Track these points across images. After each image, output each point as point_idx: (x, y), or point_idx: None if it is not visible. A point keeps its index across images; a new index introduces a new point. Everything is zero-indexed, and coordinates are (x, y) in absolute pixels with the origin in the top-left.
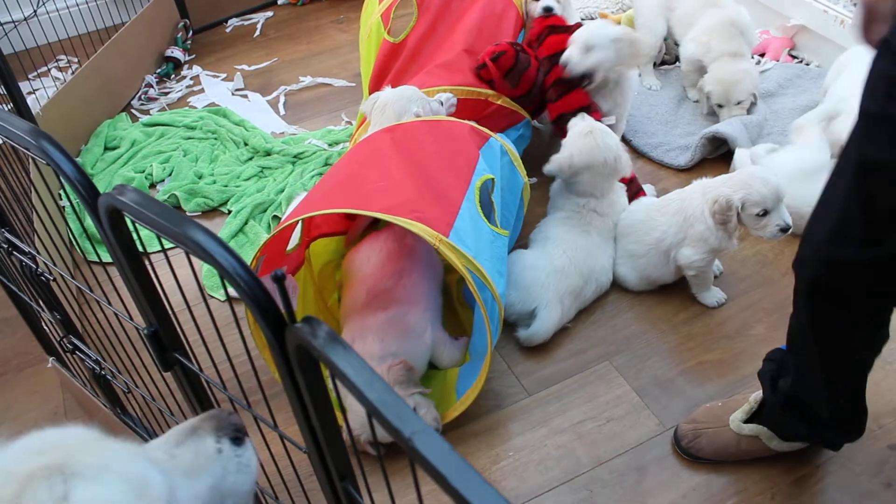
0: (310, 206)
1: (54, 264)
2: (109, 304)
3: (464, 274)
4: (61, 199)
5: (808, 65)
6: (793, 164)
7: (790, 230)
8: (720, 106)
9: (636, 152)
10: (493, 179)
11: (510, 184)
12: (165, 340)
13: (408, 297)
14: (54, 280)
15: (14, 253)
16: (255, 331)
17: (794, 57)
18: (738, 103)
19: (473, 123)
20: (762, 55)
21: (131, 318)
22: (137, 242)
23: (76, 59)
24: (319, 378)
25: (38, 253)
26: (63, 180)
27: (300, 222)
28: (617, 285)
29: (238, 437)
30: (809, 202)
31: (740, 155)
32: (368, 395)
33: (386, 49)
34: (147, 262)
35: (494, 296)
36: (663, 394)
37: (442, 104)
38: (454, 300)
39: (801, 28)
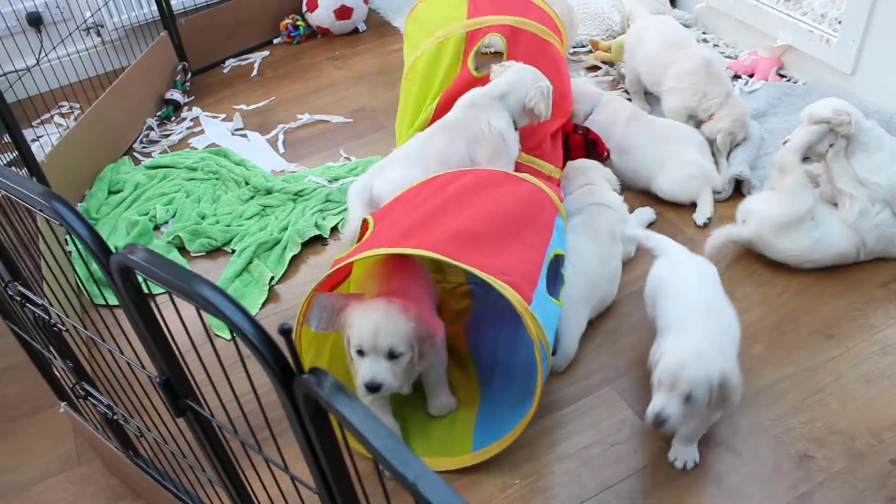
0: (391, 241)
1: (66, 315)
2: (122, 353)
3: (536, 345)
4: (67, 245)
5: (795, 83)
6: (776, 218)
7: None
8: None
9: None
10: (563, 256)
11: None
12: (177, 388)
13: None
14: (67, 330)
15: (27, 305)
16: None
17: (782, 76)
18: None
19: (551, 193)
20: (751, 75)
21: (143, 367)
22: (143, 284)
23: (78, 105)
24: (328, 424)
25: (49, 302)
26: (76, 241)
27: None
28: (617, 311)
29: None
30: (794, 253)
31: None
32: (374, 442)
33: (466, 80)
34: (153, 305)
35: (538, 367)
36: None
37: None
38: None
39: (788, 48)
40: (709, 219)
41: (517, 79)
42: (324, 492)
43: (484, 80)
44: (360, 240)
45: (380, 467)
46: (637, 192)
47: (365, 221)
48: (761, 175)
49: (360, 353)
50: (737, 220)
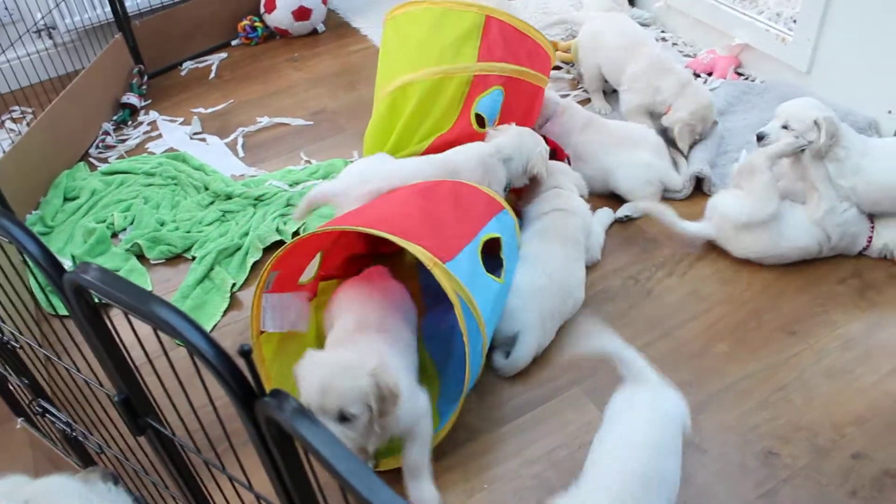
0: (327, 224)
1: (19, 329)
2: (79, 371)
3: (452, 298)
4: (22, 255)
5: (753, 81)
6: (739, 215)
7: None
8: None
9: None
10: (499, 238)
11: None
12: (137, 406)
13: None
14: (21, 347)
15: None
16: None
17: (740, 74)
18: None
19: (493, 194)
20: (710, 73)
21: (101, 385)
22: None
23: (30, 110)
24: (291, 445)
25: (0, 317)
26: (27, 259)
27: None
28: (581, 312)
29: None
30: (757, 249)
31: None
32: (339, 467)
33: (466, 130)
34: (107, 320)
35: (480, 327)
36: None
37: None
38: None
39: (746, 46)
40: (626, 216)
41: (519, 143)
42: None
43: (481, 136)
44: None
45: (345, 493)
46: (600, 196)
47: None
48: (721, 173)
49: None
50: (706, 217)
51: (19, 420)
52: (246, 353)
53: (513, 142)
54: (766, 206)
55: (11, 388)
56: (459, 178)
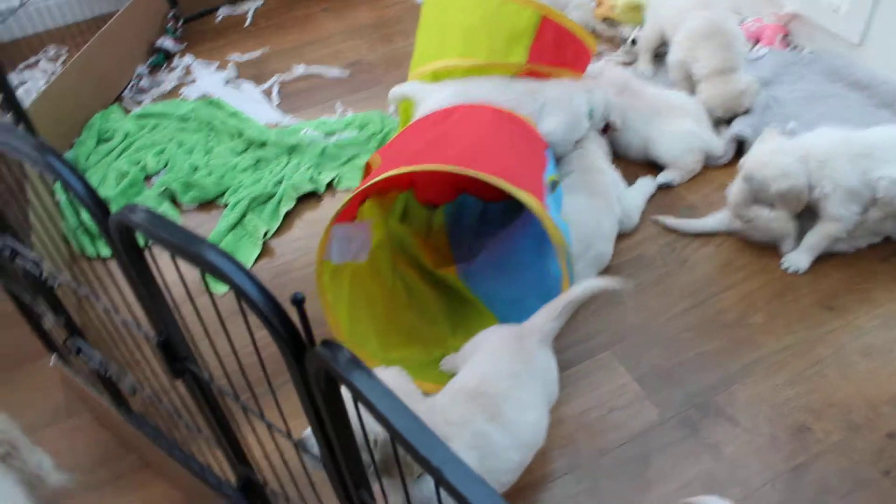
0: (405, 161)
1: (56, 268)
2: (117, 312)
3: (561, 253)
4: (56, 195)
5: (801, 51)
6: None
7: None
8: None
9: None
10: (557, 181)
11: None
12: (176, 349)
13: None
14: (59, 286)
15: (17, 259)
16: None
17: (787, 44)
18: (745, 112)
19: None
20: (756, 41)
21: (140, 327)
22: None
23: (66, 50)
24: (338, 398)
25: (40, 255)
26: (73, 198)
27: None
28: (616, 275)
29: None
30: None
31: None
32: (394, 422)
33: None
34: (151, 261)
35: (564, 276)
36: (664, 384)
37: None
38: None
39: (795, 15)
40: (665, 183)
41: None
42: (329, 462)
43: None
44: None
45: (395, 444)
46: (637, 163)
47: (368, 164)
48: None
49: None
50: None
51: (52, 357)
52: (298, 303)
53: (593, 82)
54: (780, 232)
55: (46, 325)
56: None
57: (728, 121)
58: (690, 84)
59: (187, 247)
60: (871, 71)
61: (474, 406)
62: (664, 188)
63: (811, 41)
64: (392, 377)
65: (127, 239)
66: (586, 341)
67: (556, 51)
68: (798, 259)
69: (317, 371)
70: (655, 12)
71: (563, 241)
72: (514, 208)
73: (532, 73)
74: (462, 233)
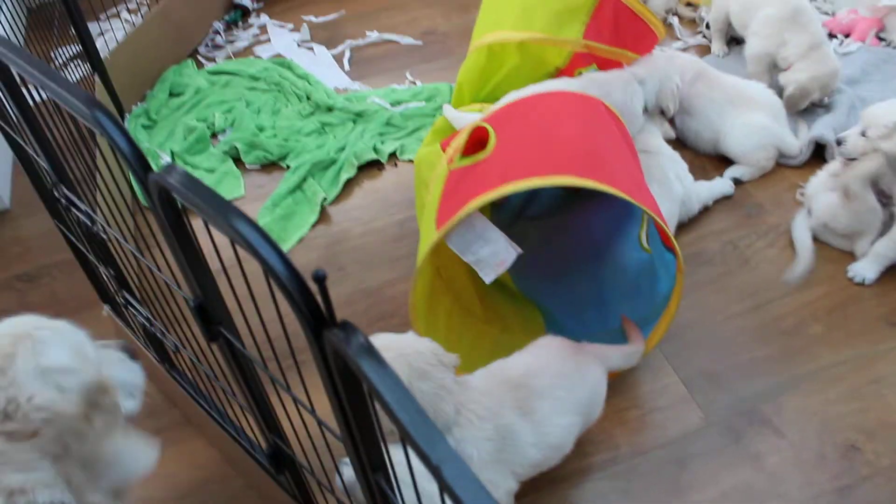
0: (525, 169)
1: (115, 219)
2: (160, 270)
3: (679, 258)
4: None
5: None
6: (838, 229)
7: None
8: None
9: None
10: None
11: None
12: (211, 313)
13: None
14: (110, 240)
15: (72, 209)
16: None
17: (881, 39)
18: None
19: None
20: (847, 35)
21: (179, 287)
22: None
23: (146, 1)
24: (356, 379)
25: (99, 206)
26: (117, 153)
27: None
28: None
29: (133, 356)
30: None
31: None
32: (400, 415)
33: None
34: (188, 223)
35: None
36: (711, 387)
37: None
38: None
39: (893, 9)
40: (735, 178)
41: (653, 68)
42: (349, 442)
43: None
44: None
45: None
46: (705, 156)
47: (482, 128)
48: None
49: None
50: (805, 201)
51: (105, 307)
52: (320, 280)
53: (647, 66)
54: (865, 226)
55: (101, 275)
56: (609, 99)
57: (811, 108)
58: (770, 77)
59: (219, 214)
60: None
61: (508, 398)
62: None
63: None
64: (426, 343)
65: (166, 199)
66: None
67: (615, 30)
68: (864, 268)
69: (333, 352)
70: None
71: (681, 261)
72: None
73: (587, 54)
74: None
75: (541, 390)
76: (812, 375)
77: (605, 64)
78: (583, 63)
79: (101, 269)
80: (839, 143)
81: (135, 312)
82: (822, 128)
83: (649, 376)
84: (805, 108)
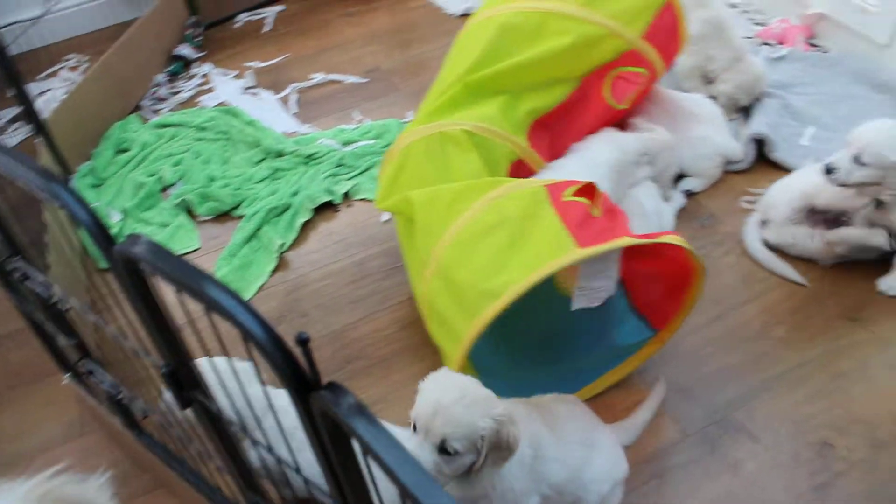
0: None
1: (69, 286)
2: (126, 338)
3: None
4: None
5: (825, 52)
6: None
7: None
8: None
9: None
10: None
11: None
12: (183, 380)
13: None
14: (70, 309)
15: (27, 282)
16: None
17: (813, 45)
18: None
19: None
20: (780, 43)
21: (149, 354)
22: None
23: (86, 59)
24: (345, 440)
25: (51, 275)
26: (79, 227)
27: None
28: None
29: None
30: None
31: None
32: (400, 475)
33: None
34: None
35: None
36: (683, 399)
37: None
38: None
39: (821, 16)
40: (688, 191)
41: (665, 150)
42: (339, 500)
43: (610, 112)
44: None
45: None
46: None
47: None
48: (783, 134)
49: (414, 427)
50: (761, 209)
51: (66, 376)
52: (303, 342)
53: (661, 146)
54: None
55: (59, 344)
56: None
57: (744, 110)
58: (704, 86)
59: (190, 282)
60: None
61: (536, 414)
62: (686, 196)
63: (836, 43)
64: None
65: (132, 269)
66: None
67: (667, 38)
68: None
69: (322, 413)
70: None
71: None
72: None
73: (635, 55)
74: None
75: (566, 415)
76: (780, 378)
77: (650, 69)
78: (630, 62)
79: (60, 339)
80: (829, 170)
81: (99, 380)
82: (757, 125)
83: (622, 394)
84: (739, 111)
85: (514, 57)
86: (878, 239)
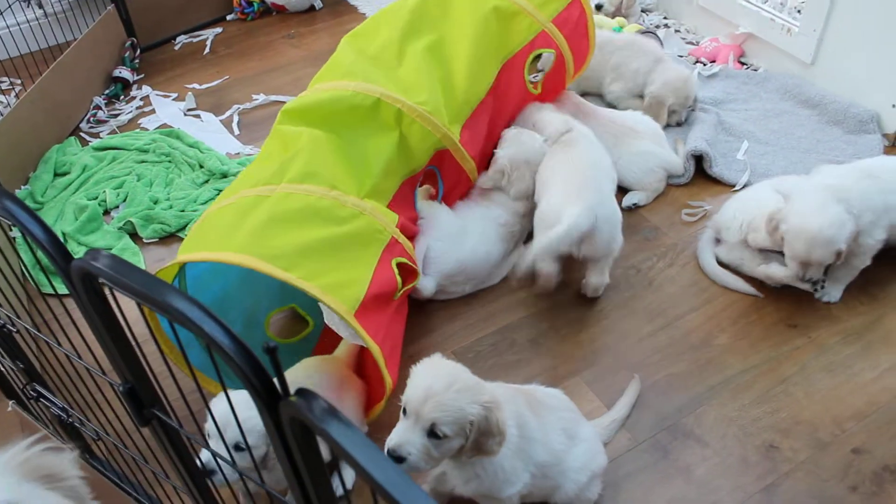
0: None
1: (13, 309)
2: (80, 358)
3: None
4: (11, 230)
5: (755, 70)
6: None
7: None
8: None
9: None
10: None
11: None
12: (143, 397)
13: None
14: (17, 332)
15: None
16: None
17: (743, 64)
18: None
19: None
20: (712, 61)
21: (104, 373)
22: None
23: (20, 81)
24: (315, 448)
25: None
26: (32, 243)
27: None
28: (583, 300)
29: None
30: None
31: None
32: (374, 474)
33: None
34: (114, 303)
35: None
36: (634, 408)
37: None
38: None
39: (750, 36)
40: (633, 204)
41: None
42: None
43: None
44: None
45: (377, 496)
46: None
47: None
48: (721, 150)
49: (404, 411)
50: (714, 228)
51: (10, 403)
52: (271, 351)
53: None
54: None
55: (3, 370)
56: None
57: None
58: (641, 105)
59: (154, 295)
60: (822, 89)
61: (521, 398)
62: (628, 210)
63: (765, 61)
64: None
65: (90, 285)
66: (554, 368)
67: (574, 30)
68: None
69: (291, 420)
70: None
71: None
72: None
73: (546, 38)
74: None
75: (549, 405)
76: (725, 384)
77: (559, 56)
78: (543, 44)
79: (6, 363)
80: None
81: (47, 404)
82: (695, 141)
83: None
84: (677, 125)
85: (441, 27)
86: (803, 285)
